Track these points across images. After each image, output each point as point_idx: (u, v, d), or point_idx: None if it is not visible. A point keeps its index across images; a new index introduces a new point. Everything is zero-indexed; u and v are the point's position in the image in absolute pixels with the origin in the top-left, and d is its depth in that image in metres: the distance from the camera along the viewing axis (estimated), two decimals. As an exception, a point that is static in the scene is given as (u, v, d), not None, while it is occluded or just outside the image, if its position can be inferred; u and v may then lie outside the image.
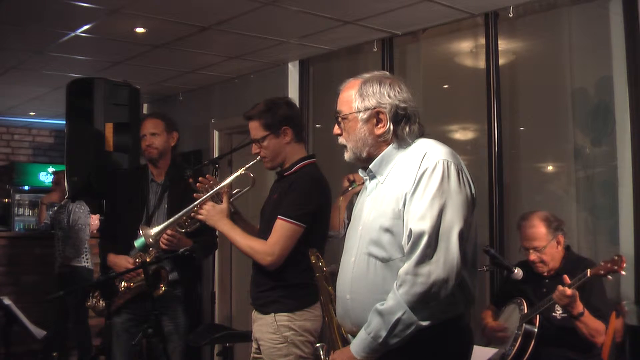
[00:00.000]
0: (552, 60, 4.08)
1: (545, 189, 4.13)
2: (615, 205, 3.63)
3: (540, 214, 3.26)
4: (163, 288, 3.39)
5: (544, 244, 3.18)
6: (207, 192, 2.94)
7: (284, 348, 2.78)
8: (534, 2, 4.02)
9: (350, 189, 3.38)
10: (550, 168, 4.21)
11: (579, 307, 2.95)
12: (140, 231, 2.95)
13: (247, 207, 3.27)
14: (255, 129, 2.94)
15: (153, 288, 3.32)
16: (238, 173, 2.97)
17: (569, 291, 2.91)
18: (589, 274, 2.93)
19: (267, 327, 2.82)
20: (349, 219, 3.77)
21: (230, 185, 3.00)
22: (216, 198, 2.95)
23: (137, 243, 2.97)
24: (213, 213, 2.89)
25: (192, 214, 2.98)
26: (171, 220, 3.01)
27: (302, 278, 2.75)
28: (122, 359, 3.59)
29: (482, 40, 4.25)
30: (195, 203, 2.94)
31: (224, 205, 2.91)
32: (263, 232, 2.92)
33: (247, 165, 2.96)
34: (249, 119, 2.97)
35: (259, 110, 2.93)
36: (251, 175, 2.96)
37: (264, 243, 2.81)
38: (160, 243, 3.38)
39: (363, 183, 3.31)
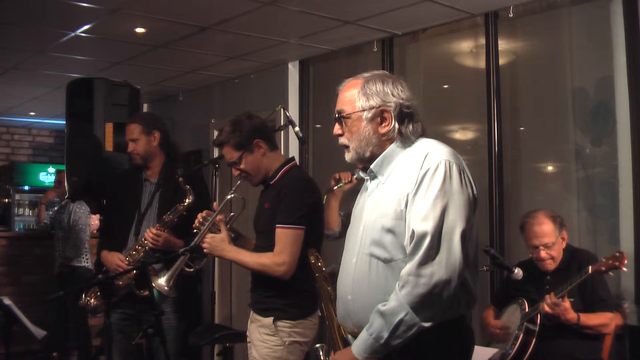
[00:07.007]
0: (552, 60, 4.08)
1: (545, 189, 4.12)
2: (615, 205, 3.63)
3: (545, 211, 3.31)
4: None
5: (554, 240, 3.21)
6: (204, 226, 2.96)
7: (279, 350, 2.79)
8: (534, 2, 4.02)
9: (336, 187, 3.38)
10: (550, 168, 4.21)
11: (571, 314, 3.00)
12: (152, 284, 2.99)
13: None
14: (228, 152, 2.95)
15: (140, 287, 3.34)
16: (226, 199, 3.04)
17: (558, 301, 2.98)
18: (590, 271, 2.96)
19: (266, 329, 2.82)
20: (345, 215, 3.76)
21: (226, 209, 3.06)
22: (214, 228, 2.96)
23: (156, 296, 3.06)
24: (215, 244, 2.90)
25: None
26: (177, 263, 3.02)
27: (309, 285, 2.69)
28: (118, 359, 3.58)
29: (482, 40, 4.25)
30: (196, 240, 2.97)
31: (223, 233, 2.92)
32: (261, 244, 2.92)
33: (232, 189, 3.02)
34: (219, 145, 2.99)
35: (226, 133, 2.94)
36: (241, 197, 3.03)
37: (272, 255, 2.80)
38: (147, 243, 3.39)
39: (350, 181, 3.32)
